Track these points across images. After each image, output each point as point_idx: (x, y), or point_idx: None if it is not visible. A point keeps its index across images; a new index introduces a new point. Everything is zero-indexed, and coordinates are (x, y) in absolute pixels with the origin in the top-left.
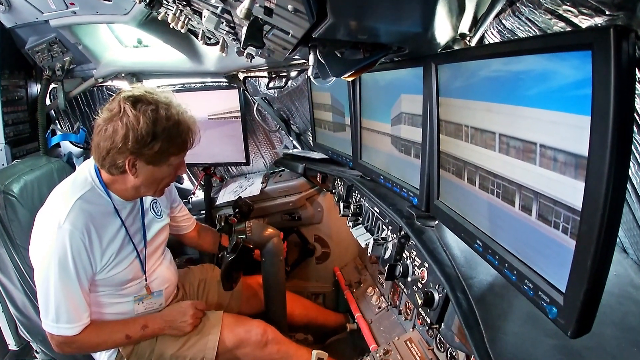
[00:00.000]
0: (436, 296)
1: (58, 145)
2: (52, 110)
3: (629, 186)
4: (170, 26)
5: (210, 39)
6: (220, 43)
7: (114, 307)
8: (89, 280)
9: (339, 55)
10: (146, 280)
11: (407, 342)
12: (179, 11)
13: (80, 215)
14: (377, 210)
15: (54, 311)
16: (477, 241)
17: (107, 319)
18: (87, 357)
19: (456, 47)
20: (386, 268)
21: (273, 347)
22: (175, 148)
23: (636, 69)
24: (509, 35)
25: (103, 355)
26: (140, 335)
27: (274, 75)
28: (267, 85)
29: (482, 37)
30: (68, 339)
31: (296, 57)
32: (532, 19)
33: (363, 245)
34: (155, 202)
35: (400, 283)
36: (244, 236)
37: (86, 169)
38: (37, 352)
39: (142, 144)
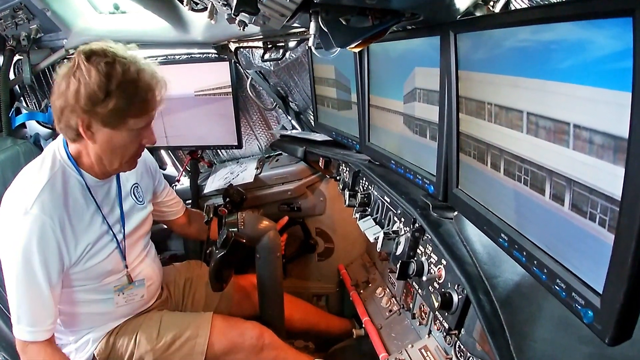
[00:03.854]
0: (455, 298)
1: (24, 125)
2: (17, 86)
3: None
4: None
5: (197, 4)
6: (208, 9)
7: (92, 305)
8: (61, 275)
9: (344, 22)
10: (125, 263)
11: (422, 350)
12: None
13: (51, 200)
14: (388, 200)
15: (16, 310)
16: (502, 235)
17: (83, 320)
18: None
19: (478, 14)
20: (398, 266)
21: (270, 352)
22: (134, 109)
23: None
24: None
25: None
26: None
27: (270, 46)
28: (262, 57)
29: (508, 2)
30: (22, 345)
31: (295, 24)
32: None
33: (372, 240)
34: (137, 187)
35: (414, 283)
36: (235, 229)
37: (55, 146)
38: None
39: (95, 101)
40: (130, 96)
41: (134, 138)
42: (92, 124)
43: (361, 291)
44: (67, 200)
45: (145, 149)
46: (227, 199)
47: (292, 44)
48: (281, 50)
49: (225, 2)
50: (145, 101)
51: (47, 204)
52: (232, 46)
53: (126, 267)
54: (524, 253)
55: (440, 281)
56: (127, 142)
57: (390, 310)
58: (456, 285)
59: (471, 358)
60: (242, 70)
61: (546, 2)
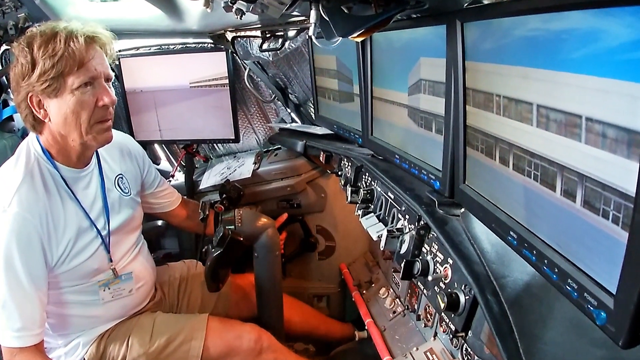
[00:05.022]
0: (462, 298)
1: (11, 118)
2: (4, 77)
3: None
4: None
5: None
6: None
7: (82, 307)
8: (46, 275)
9: (346, 11)
10: (111, 261)
11: (428, 353)
12: None
13: (29, 195)
14: (392, 196)
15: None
16: (511, 233)
17: (72, 323)
18: None
19: (486, 1)
20: (402, 265)
21: (268, 356)
22: (63, 64)
23: None
24: None
25: None
26: None
27: (268, 35)
28: (261, 46)
29: None
30: (10, 355)
31: (295, 13)
32: None
33: (375, 238)
34: (122, 177)
35: (419, 283)
36: (232, 227)
37: (29, 140)
38: None
39: (27, 73)
40: (54, 53)
41: (84, 100)
42: (40, 100)
43: (364, 292)
44: (45, 195)
45: (134, 140)
46: (224, 195)
47: (291, 33)
48: (280, 40)
49: None
50: (71, 52)
51: (26, 200)
52: (229, 35)
53: (111, 260)
54: (534, 252)
55: (446, 281)
56: (77, 106)
57: (394, 312)
58: (463, 286)
59: None
60: (239, 60)
61: None
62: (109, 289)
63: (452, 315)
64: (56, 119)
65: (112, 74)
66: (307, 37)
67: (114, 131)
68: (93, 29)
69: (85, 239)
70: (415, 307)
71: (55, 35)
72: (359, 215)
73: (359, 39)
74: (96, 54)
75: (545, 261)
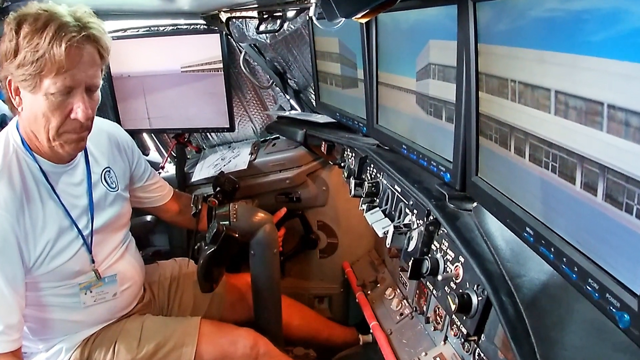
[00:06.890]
0: (474, 300)
1: None
2: None
3: None
4: None
5: None
6: None
7: (63, 310)
8: (23, 278)
9: None
10: (93, 262)
11: (437, 358)
12: None
13: (6, 191)
14: (399, 190)
15: None
16: (527, 229)
17: (54, 326)
18: None
19: None
20: (410, 264)
21: None
22: (43, 64)
23: None
24: None
25: None
26: None
27: (266, 16)
28: (257, 28)
29: None
30: None
31: None
32: None
33: (380, 235)
34: (109, 171)
35: (428, 283)
36: (227, 222)
37: (8, 129)
38: None
39: (10, 58)
40: (36, 49)
41: (56, 106)
42: (18, 87)
43: (368, 292)
44: (23, 191)
45: (122, 129)
46: (218, 189)
47: (290, 13)
48: (278, 21)
49: None
50: (52, 55)
51: (2, 196)
52: (223, 16)
53: (93, 261)
54: (552, 249)
55: (457, 281)
56: (48, 111)
57: (402, 314)
58: (475, 286)
59: None
60: (234, 43)
61: None
62: (91, 292)
63: (464, 317)
64: (27, 114)
65: (99, 83)
66: (308, 18)
67: (101, 119)
68: (87, 23)
69: (65, 239)
70: (424, 308)
71: (45, 28)
72: (364, 210)
73: (363, 20)
74: (82, 59)
75: (564, 259)
